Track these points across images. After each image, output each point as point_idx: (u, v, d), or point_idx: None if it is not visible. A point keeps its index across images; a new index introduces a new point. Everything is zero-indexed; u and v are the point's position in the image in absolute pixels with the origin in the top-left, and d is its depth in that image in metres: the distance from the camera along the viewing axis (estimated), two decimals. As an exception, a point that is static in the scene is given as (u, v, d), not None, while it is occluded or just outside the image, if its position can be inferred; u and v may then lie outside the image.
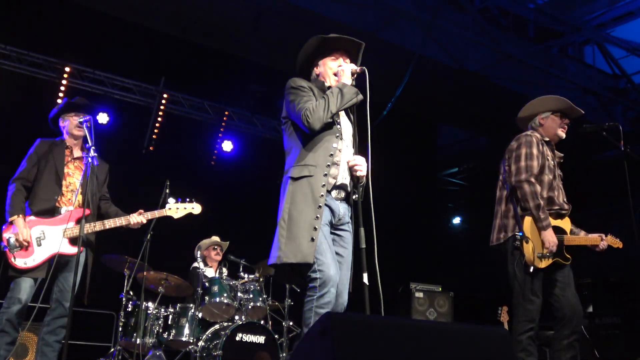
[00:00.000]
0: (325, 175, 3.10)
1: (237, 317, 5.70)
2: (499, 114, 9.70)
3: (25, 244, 3.93)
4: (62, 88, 7.78)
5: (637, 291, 7.64)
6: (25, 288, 3.94)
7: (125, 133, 8.28)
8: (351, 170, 3.18)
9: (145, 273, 5.40)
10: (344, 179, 3.18)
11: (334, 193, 3.15)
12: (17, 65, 7.70)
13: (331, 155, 3.13)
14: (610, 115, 9.73)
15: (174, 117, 8.86)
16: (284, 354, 5.62)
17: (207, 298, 5.60)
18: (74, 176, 4.25)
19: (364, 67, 3.27)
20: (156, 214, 4.35)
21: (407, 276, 7.94)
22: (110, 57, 8.23)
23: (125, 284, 5.51)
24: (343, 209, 3.19)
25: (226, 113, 9.16)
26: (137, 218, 4.24)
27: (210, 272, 6.41)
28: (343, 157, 3.18)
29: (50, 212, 4.09)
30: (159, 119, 8.64)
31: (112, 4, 7.51)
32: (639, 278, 7.59)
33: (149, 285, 5.63)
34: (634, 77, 10.20)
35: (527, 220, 3.83)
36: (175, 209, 4.42)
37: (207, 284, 5.67)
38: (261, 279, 5.96)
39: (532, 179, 3.84)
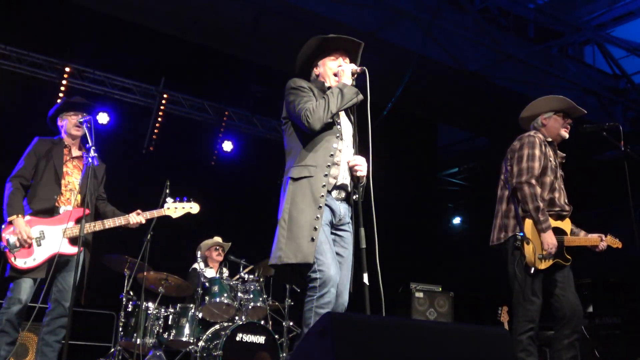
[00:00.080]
0: (326, 175, 3.10)
1: (237, 317, 5.70)
2: (499, 114, 9.70)
3: (27, 243, 3.91)
4: (62, 88, 7.78)
5: (637, 291, 7.64)
6: (25, 288, 3.93)
7: (125, 133, 8.29)
8: (351, 170, 3.18)
9: (145, 273, 5.40)
10: (344, 179, 3.18)
11: (334, 193, 3.15)
12: (17, 65, 7.70)
13: (331, 155, 3.13)
14: (611, 116, 9.74)
15: (174, 118, 8.86)
16: (284, 354, 5.62)
17: (207, 298, 5.60)
18: (72, 175, 4.24)
19: (364, 67, 3.26)
20: (155, 213, 4.35)
21: (407, 276, 7.94)
22: (111, 57, 8.23)
23: (126, 284, 5.51)
24: (343, 209, 3.19)
25: (226, 113, 9.16)
26: (136, 218, 4.24)
27: (210, 273, 6.40)
28: (343, 157, 3.18)
29: (49, 211, 4.07)
30: (159, 119, 8.64)
31: (112, 4, 7.52)
32: (639, 278, 7.59)
33: (149, 286, 5.63)
34: (634, 77, 10.20)
35: (528, 222, 3.84)
36: (174, 208, 4.42)
37: (207, 284, 5.67)
38: (261, 279, 5.96)
39: (533, 181, 3.83)
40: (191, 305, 5.62)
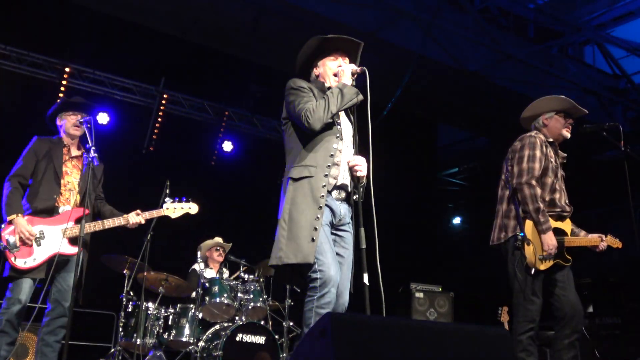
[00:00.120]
0: (326, 175, 3.10)
1: (237, 318, 5.70)
2: (499, 114, 9.71)
3: (30, 241, 3.90)
4: (62, 88, 7.78)
5: (637, 291, 7.64)
6: (24, 288, 3.92)
7: (125, 133, 8.29)
8: (351, 170, 3.18)
9: (145, 273, 5.40)
10: (345, 179, 3.18)
11: (334, 193, 3.15)
12: (17, 65, 7.70)
13: (331, 155, 3.13)
14: (611, 116, 9.74)
15: (174, 118, 8.86)
16: (284, 355, 5.62)
17: (207, 298, 5.60)
18: (72, 175, 4.23)
19: (364, 67, 3.26)
20: (154, 213, 4.34)
21: (407, 276, 7.94)
22: (110, 57, 8.23)
23: (126, 285, 5.50)
24: (344, 210, 3.19)
25: (226, 113, 9.17)
26: (136, 218, 4.23)
27: (211, 273, 6.40)
28: (343, 158, 3.18)
29: (49, 211, 4.06)
30: (159, 119, 8.64)
31: (112, 4, 7.52)
32: (639, 278, 7.59)
33: (149, 286, 5.63)
34: (634, 77, 10.20)
35: (529, 223, 3.84)
36: (173, 208, 4.42)
37: (207, 285, 5.67)
38: (261, 280, 5.96)
39: (533, 182, 3.83)
40: (191, 305, 5.62)
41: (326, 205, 3.07)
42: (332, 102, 3.10)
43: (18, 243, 3.90)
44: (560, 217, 3.99)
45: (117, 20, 7.75)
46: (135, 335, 5.35)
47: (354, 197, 3.20)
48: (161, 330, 5.49)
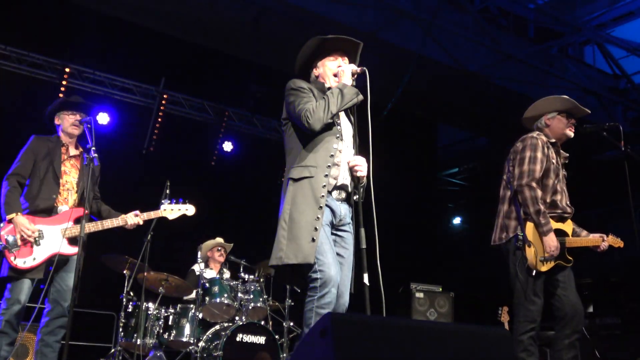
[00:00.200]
0: (326, 175, 3.10)
1: (237, 318, 5.70)
2: (499, 114, 9.71)
3: (32, 238, 3.89)
4: (62, 89, 7.78)
5: (638, 291, 7.64)
6: (24, 289, 3.91)
7: (125, 134, 8.29)
8: (352, 170, 3.18)
9: (145, 274, 5.40)
10: (345, 179, 3.18)
11: (334, 194, 3.15)
12: (17, 65, 7.71)
13: (331, 156, 3.13)
14: (611, 116, 9.74)
15: (174, 118, 8.86)
16: (285, 355, 5.62)
17: (207, 299, 5.60)
18: (70, 175, 4.21)
19: (364, 68, 3.26)
20: (152, 215, 4.35)
21: (407, 276, 7.94)
22: (111, 57, 8.24)
23: (126, 285, 5.50)
24: (344, 210, 3.19)
25: (226, 113, 9.17)
26: (134, 219, 4.23)
27: (211, 274, 6.40)
28: (343, 158, 3.18)
29: (48, 211, 4.04)
30: (159, 119, 8.64)
31: (112, 5, 7.51)
32: (639, 278, 7.60)
33: (149, 286, 5.62)
34: (634, 77, 10.21)
35: (530, 225, 3.83)
36: (170, 210, 4.43)
37: (207, 285, 5.66)
38: (262, 280, 5.96)
39: (534, 184, 3.83)
40: (191, 305, 5.62)
41: (326, 205, 3.07)
42: (332, 102, 3.10)
43: (19, 242, 3.88)
44: (561, 218, 3.98)
45: (117, 21, 7.75)
46: (135, 335, 5.35)
47: (354, 198, 3.20)
48: (161, 331, 5.49)
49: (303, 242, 2.97)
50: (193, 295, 6.05)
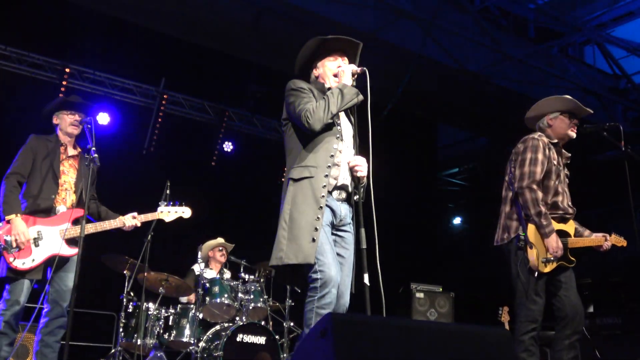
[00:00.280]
0: (326, 176, 3.10)
1: (237, 318, 5.70)
2: (499, 114, 9.71)
3: (23, 245, 3.89)
4: (63, 89, 7.78)
5: (638, 291, 7.64)
6: (23, 289, 3.90)
7: (125, 134, 8.29)
8: (352, 171, 3.18)
9: (145, 274, 5.40)
10: (345, 179, 3.17)
11: (335, 194, 3.15)
12: (17, 66, 7.71)
13: (332, 156, 3.13)
14: (611, 116, 9.74)
15: (174, 118, 8.86)
16: (285, 355, 5.62)
17: (207, 299, 5.60)
18: (68, 175, 4.19)
19: (365, 68, 3.26)
20: (149, 217, 4.35)
21: (407, 276, 7.94)
22: (111, 57, 8.23)
23: (126, 285, 5.50)
24: (344, 210, 3.19)
25: (226, 113, 9.17)
26: (132, 221, 4.23)
27: (211, 274, 6.40)
28: (343, 158, 3.18)
29: (47, 211, 4.03)
30: (160, 119, 8.64)
31: (112, 5, 7.52)
32: (640, 278, 7.60)
33: (149, 286, 5.62)
34: (634, 77, 10.21)
35: (531, 227, 3.83)
36: (167, 212, 4.44)
37: (207, 285, 5.66)
38: (262, 280, 5.96)
39: (534, 186, 3.83)
40: (192, 305, 5.62)
41: (327, 205, 3.07)
42: (332, 102, 3.10)
43: (14, 244, 3.87)
44: (562, 219, 3.98)
45: (118, 21, 7.75)
46: (135, 335, 5.35)
47: (355, 198, 3.20)
48: (162, 331, 5.49)
49: (303, 242, 2.97)
50: (190, 297, 6.04)
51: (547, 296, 3.86)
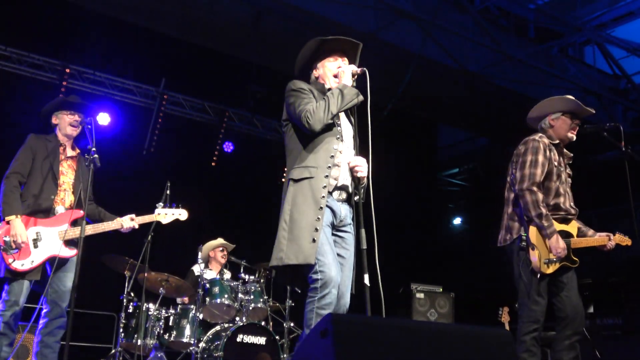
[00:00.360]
0: (326, 176, 3.10)
1: (238, 318, 5.70)
2: (500, 115, 9.71)
3: (20, 247, 3.88)
4: (63, 89, 7.78)
5: (638, 292, 7.64)
6: (21, 290, 3.90)
7: (125, 134, 8.29)
8: (352, 171, 3.18)
9: (146, 274, 5.40)
10: (345, 180, 3.17)
11: (335, 194, 3.15)
12: (17, 66, 7.71)
13: (332, 156, 3.13)
14: (611, 116, 9.74)
15: (174, 118, 8.87)
16: (285, 355, 5.62)
17: (208, 299, 5.60)
18: (67, 175, 4.19)
19: (365, 68, 3.26)
20: (147, 218, 4.35)
21: (407, 277, 7.94)
22: (111, 58, 8.24)
23: (126, 286, 5.50)
24: (344, 210, 3.19)
25: (226, 114, 9.17)
26: (130, 223, 4.23)
27: (211, 274, 6.40)
28: (344, 159, 3.18)
29: (46, 212, 4.03)
30: (160, 120, 8.64)
31: (112, 5, 7.51)
32: (640, 278, 7.59)
33: (149, 287, 5.62)
34: (634, 78, 10.21)
35: (533, 228, 3.83)
36: (164, 214, 4.44)
37: (208, 286, 5.66)
38: (262, 280, 5.96)
39: (534, 188, 3.83)
40: (192, 306, 5.62)
41: (327, 206, 3.07)
42: (333, 103, 3.10)
43: (13, 245, 3.87)
44: (564, 220, 3.97)
45: (118, 21, 7.75)
46: (136, 336, 5.35)
47: (355, 198, 3.19)
48: (162, 331, 5.49)
49: (304, 242, 2.97)
50: (185, 298, 6.04)
51: (548, 296, 3.86)
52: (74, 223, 4.04)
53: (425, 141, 12.12)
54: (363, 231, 3.06)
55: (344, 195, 3.19)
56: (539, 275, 3.78)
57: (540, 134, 4.05)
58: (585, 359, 4.15)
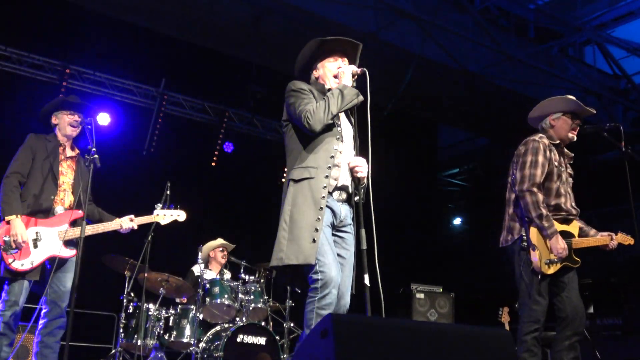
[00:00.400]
0: (327, 177, 3.10)
1: (238, 319, 5.70)
2: (499, 115, 9.72)
3: (20, 247, 3.88)
4: (63, 90, 7.79)
5: (638, 292, 7.63)
6: (21, 290, 3.90)
7: (126, 135, 8.29)
8: (352, 171, 3.18)
9: (146, 274, 5.40)
10: (345, 180, 3.17)
11: (335, 195, 3.15)
12: (17, 67, 7.71)
13: (332, 157, 3.13)
14: (611, 116, 9.74)
15: (174, 119, 8.87)
16: (285, 356, 5.62)
17: (208, 299, 5.60)
18: (66, 175, 4.19)
19: (365, 69, 3.26)
20: (145, 219, 4.36)
21: (407, 277, 7.94)
22: (111, 58, 8.24)
23: (126, 286, 5.51)
24: (345, 211, 3.19)
25: (226, 114, 9.17)
26: (129, 224, 4.23)
27: (211, 275, 6.40)
28: (344, 159, 3.18)
29: (45, 212, 4.02)
30: (160, 120, 8.64)
31: (112, 6, 7.52)
32: (640, 279, 7.59)
33: (149, 287, 5.62)
34: (634, 78, 10.21)
35: (533, 230, 3.83)
36: (163, 215, 4.45)
37: (208, 286, 5.66)
38: (262, 280, 5.96)
39: (534, 189, 3.83)
40: (192, 306, 5.62)
41: (327, 206, 3.07)
42: (333, 103, 3.10)
43: (13, 245, 3.87)
44: (565, 220, 3.97)
45: (118, 22, 7.75)
46: (136, 336, 5.35)
47: (355, 199, 3.20)
48: (162, 332, 5.49)
49: (304, 242, 2.97)
50: (183, 299, 6.04)
51: (549, 296, 3.87)
52: (74, 223, 4.04)
53: (425, 141, 12.12)
54: (363, 231, 3.06)
55: (344, 196, 3.19)
56: (539, 275, 3.78)
57: (540, 135, 4.05)
58: (585, 359, 4.15)
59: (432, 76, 8.88)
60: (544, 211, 3.79)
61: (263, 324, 5.72)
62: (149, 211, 4.41)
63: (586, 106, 4.09)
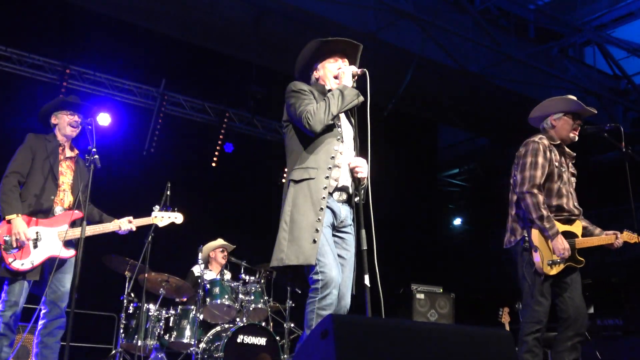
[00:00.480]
0: (327, 177, 3.10)
1: (238, 319, 5.70)
2: (499, 115, 9.72)
3: (23, 245, 3.88)
4: (63, 90, 7.78)
5: (639, 292, 7.63)
6: (21, 291, 3.90)
7: (126, 135, 8.29)
8: (352, 172, 3.18)
9: (146, 275, 5.40)
10: (346, 181, 3.17)
11: (335, 195, 3.15)
12: (17, 67, 7.71)
13: (332, 157, 3.13)
14: (611, 116, 9.74)
15: (174, 119, 8.87)
16: (286, 356, 5.62)
17: (208, 300, 5.60)
18: (66, 176, 4.19)
19: (365, 69, 3.26)
20: (143, 221, 4.36)
21: (408, 277, 7.94)
22: (111, 59, 8.24)
23: (126, 286, 5.50)
24: (345, 211, 3.19)
25: (227, 115, 9.17)
26: (128, 225, 4.23)
27: (211, 275, 6.40)
28: (344, 160, 3.18)
29: (45, 212, 4.03)
30: (160, 120, 8.64)
31: (112, 6, 7.52)
32: (640, 279, 7.59)
33: (150, 287, 5.62)
34: (634, 78, 10.21)
35: (535, 231, 3.83)
36: (160, 217, 4.46)
37: (208, 286, 5.66)
38: (262, 281, 5.96)
39: (535, 190, 3.83)
40: (192, 306, 5.62)
41: (327, 207, 3.07)
42: (333, 103, 3.10)
43: (14, 244, 3.87)
44: (568, 221, 3.97)
45: (118, 22, 7.75)
46: (136, 336, 5.35)
47: (355, 199, 3.20)
48: (162, 332, 5.49)
49: (304, 243, 2.97)
50: (182, 299, 6.04)
51: (551, 296, 3.87)
52: (73, 224, 4.04)
53: (425, 141, 12.11)
54: (363, 232, 3.05)
55: (344, 196, 3.19)
56: (542, 276, 3.78)
57: (540, 135, 4.05)
58: (585, 359, 4.15)
59: (432, 76, 8.88)
60: (545, 212, 3.79)
61: (263, 324, 5.72)
62: (149, 212, 4.41)
63: (586, 106, 4.09)
